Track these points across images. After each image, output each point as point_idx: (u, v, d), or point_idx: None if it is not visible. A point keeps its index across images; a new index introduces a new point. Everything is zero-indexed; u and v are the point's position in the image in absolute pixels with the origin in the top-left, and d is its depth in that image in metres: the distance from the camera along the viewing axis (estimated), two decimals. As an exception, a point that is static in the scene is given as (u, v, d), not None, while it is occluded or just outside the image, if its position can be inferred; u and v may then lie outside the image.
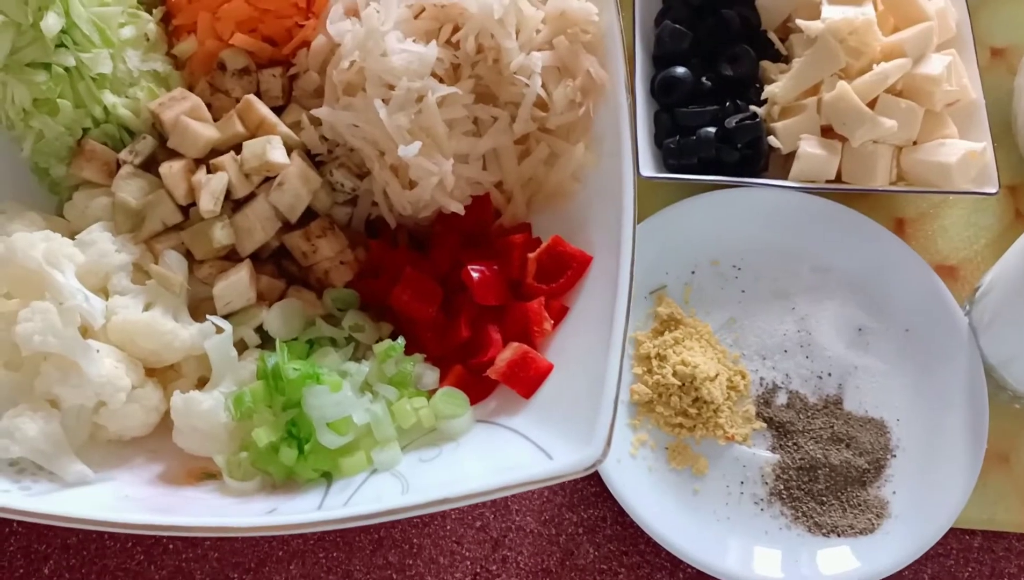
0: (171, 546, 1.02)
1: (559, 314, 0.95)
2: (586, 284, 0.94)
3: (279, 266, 1.03)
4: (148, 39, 1.04)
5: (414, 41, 0.97)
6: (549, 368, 0.91)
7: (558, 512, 1.05)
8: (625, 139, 0.94)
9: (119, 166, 1.00)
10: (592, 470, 0.77)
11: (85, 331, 0.88)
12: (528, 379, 0.91)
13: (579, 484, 1.06)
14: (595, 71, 0.99)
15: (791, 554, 0.97)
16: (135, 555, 1.02)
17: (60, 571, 1.01)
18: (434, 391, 0.93)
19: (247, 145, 0.97)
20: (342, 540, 1.03)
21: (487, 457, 0.86)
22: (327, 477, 0.88)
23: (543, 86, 0.98)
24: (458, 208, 0.99)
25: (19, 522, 1.03)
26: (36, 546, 1.03)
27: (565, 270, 0.96)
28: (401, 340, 0.93)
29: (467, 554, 1.03)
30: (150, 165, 1.00)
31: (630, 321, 0.84)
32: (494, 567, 1.02)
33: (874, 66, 1.11)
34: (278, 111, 1.03)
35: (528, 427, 0.87)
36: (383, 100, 0.95)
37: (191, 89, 1.04)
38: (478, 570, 1.02)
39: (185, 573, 1.01)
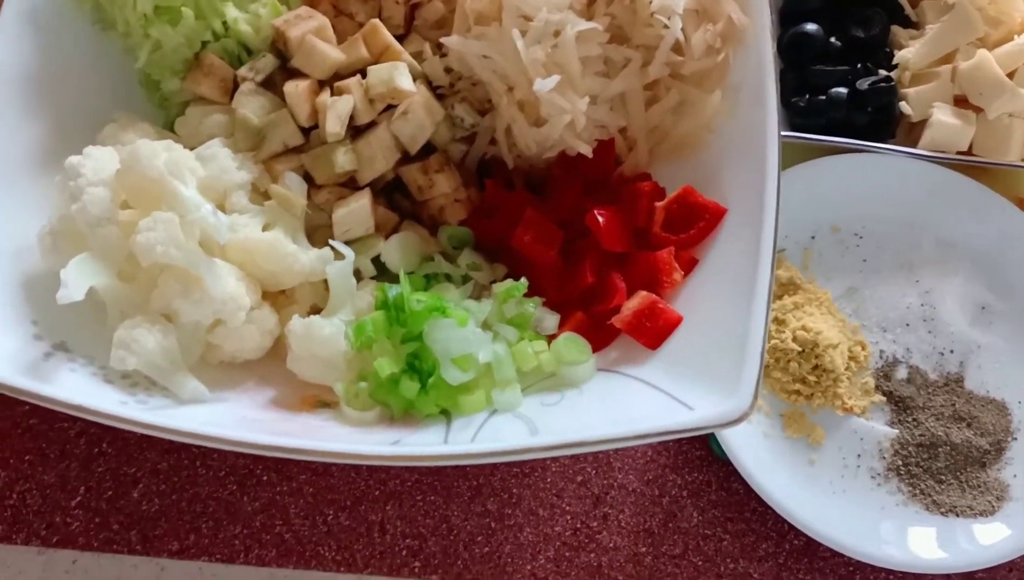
0: (265, 478, 1.00)
1: (688, 265, 0.91)
2: (719, 236, 0.91)
3: (390, 199, 1.00)
4: (270, -45, 1.00)
5: (553, -28, 0.93)
6: (678, 320, 0.87)
7: (661, 473, 1.02)
8: (769, 88, 0.90)
9: (236, 83, 0.97)
10: (740, 422, 0.73)
11: (203, 246, 0.85)
12: (656, 330, 0.87)
13: (684, 446, 1.03)
14: (737, 16, 0.95)
15: (910, 531, 0.94)
16: (228, 485, 0.99)
17: (150, 495, 0.99)
18: (553, 337, 0.90)
19: (373, 70, 0.94)
20: (440, 485, 1.00)
21: (613, 405, 0.83)
22: (446, 414, 0.85)
23: (681, 29, 0.95)
24: (587, 150, 0.95)
25: (108, 443, 1.01)
26: (125, 469, 1.00)
27: (696, 221, 0.92)
28: (524, 280, 0.90)
29: (567, 508, 1.00)
30: (267, 85, 0.97)
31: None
32: (595, 523, 0.99)
33: (1015, 37, 1.06)
34: (399, 40, 1.00)
35: (658, 378, 0.84)
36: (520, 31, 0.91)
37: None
38: (578, 525, 0.99)
39: (279, 506, 0.99)
